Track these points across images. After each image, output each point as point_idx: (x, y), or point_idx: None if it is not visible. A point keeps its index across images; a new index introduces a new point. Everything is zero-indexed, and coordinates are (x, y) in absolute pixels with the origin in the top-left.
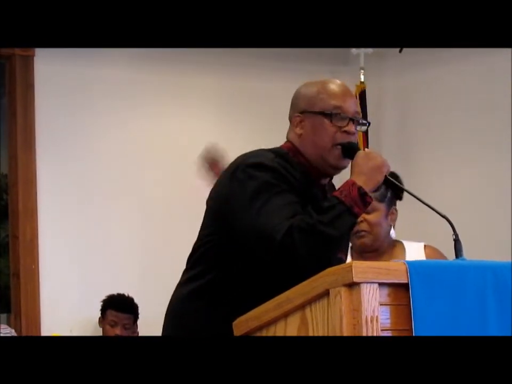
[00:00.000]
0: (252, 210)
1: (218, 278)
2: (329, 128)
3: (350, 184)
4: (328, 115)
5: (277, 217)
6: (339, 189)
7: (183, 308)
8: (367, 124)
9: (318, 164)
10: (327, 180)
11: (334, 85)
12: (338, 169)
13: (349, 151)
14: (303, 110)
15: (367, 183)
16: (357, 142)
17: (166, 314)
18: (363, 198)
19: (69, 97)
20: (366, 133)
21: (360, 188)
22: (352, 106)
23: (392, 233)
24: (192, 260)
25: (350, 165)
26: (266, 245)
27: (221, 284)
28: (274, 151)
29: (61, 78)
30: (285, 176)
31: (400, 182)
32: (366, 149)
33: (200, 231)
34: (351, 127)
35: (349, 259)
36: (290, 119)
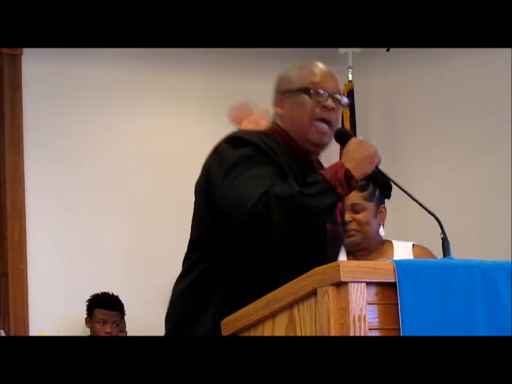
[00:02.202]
0: (227, 180)
1: (208, 270)
2: (307, 104)
3: (338, 165)
4: (306, 90)
5: (251, 186)
6: (327, 168)
7: (179, 304)
8: (348, 101)
9: (300, 141)
10: (314, 157)
11: (314, 65)
12: (318, 146)
13: (341, 137)
14: (283, 91)
15: (356, 170)
16: (345, 128)
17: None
18: (348, 181)
19: (57, 97)
20: (353, 126)
21: (347, 170)
22: (331, 83)
23: (381, 231)
24: (188, 253)
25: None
26: (237, 213)
27: (211, 275)
28: (260, 131)
29: (49, 77)
30: (265, 150)
31: (387, 181)
32: (359, 137)
33: (191, 226)
34: (330, 102)
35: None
36: (273, 103)
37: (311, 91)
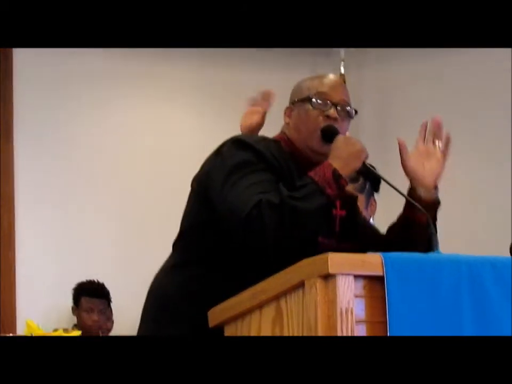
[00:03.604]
0: (227, 185)
1: (203, 272)
2: (311, 113)
3: (325, 165)
4: (310, 100)
5: (248, 192)
6: (315, 169)
7: (167, 298)
8: (354, 112)
9: (304, 150)
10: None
11: (325, 76)
12: (319, 154)
13: (328, 135)
14: (293, 101)
15: (344, 168)
16: (332, 125)
17: (148, 293)
18: (337, 180)
19: (48, 88)
20: None
21: (334, 170)
22: (338, 93)
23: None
24: (178, 246)
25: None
26: (234, 218)
27: (206, 278)
28: (266, 138)
29: (40, 68)
30: (267, 158)
31: (376, 175)
32: (346, 133)
33: (183, 215)
34: (333, 112)
35: None
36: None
37: (314, 100)
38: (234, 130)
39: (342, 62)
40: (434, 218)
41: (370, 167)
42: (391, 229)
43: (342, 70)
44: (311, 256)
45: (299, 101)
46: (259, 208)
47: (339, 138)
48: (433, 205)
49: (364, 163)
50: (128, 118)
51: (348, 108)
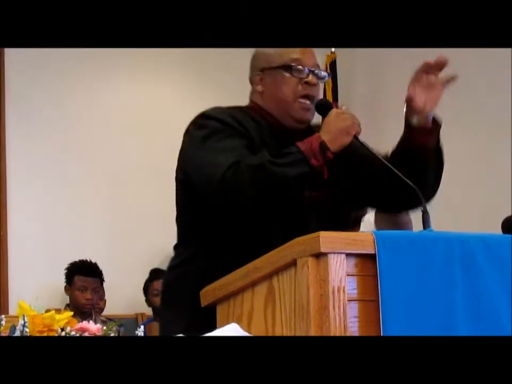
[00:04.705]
0: (199, 153)
1: (191, 257)
2: (290, 81)
3: (314, 137)
4: (288, 68)
5: (222, 156)
6: (304, 140)
7: (168, 291)
8: (328, 75)
9: (282, 118)
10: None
11: None
12: (302, 122)
13: (322, 108)
14: (262, 68)
15: (332, 142)
16: (327, 99)
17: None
18: (323, 152)
19: (40, 69)
20: (336, 98)
21: (322, 142)
22: (310, 58)
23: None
24: (179, 246)
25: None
26: (208, 181)
27: (193, 262)
28: (234, 107)
29: (31, 49)
30: (233, 124)
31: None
32: (343, 107)
33: (176, 212)
34: (312, 78)
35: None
36: (250, 80)
37: (292, 68)
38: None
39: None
40: (438, 142)
41: (362, 144)
42: (395, 154)
43: (333, 48)
44: (296, 217)
45: (271, 68)
46: (236, 168)
47: (332, 113)
48: (435, 128)
49: (356, 138)
50: (118, 96)
51: (323, 73)
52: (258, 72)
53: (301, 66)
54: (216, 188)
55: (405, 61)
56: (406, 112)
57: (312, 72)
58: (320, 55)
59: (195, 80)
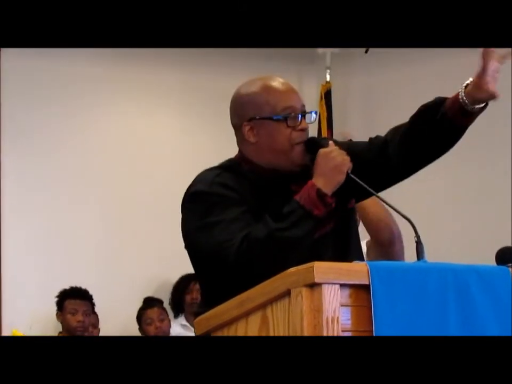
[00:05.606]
0: (201, 237)
1: None
2: (284, 131)
3: (309, 186)
4: (282, 119)
5: (226, 233)
6: (300, 192)
7: None
8: (316, 113)
9: (280, 165)
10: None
11: (275, 83)
12: (302, 166)
13: (312, 147)
14: (251, 117)
15: (327, 184)
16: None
17: None
18: (323, 200)
19: (36, 92)
20: (331, 127)
21: (318, 190)
22: (298, 101)
23: None
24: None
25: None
26: (221, 265)
27: None
28: (221, 166)
29: (28, 72)
30: (227, 193)
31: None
32: (330, 143)
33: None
34: (304, 124)
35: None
36: (236, 126)
37: (288, 119)
38: (215, 134)
39: (328, 70)
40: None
41: (355, 180)
42: (418, 122)
43: (328, 78)
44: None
45: (263, 119)
46: (246, 249)
47: (320, 154)
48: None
49: (348, 175)
50: (113, 122)
51: (313, 116)
52: (247, 121)
53: (293, 114)
54: (232, 266)
55: (400, 90)
56: (468, 93)
57: (303, 116)
58: (315, 86)
59: (194, 109)
